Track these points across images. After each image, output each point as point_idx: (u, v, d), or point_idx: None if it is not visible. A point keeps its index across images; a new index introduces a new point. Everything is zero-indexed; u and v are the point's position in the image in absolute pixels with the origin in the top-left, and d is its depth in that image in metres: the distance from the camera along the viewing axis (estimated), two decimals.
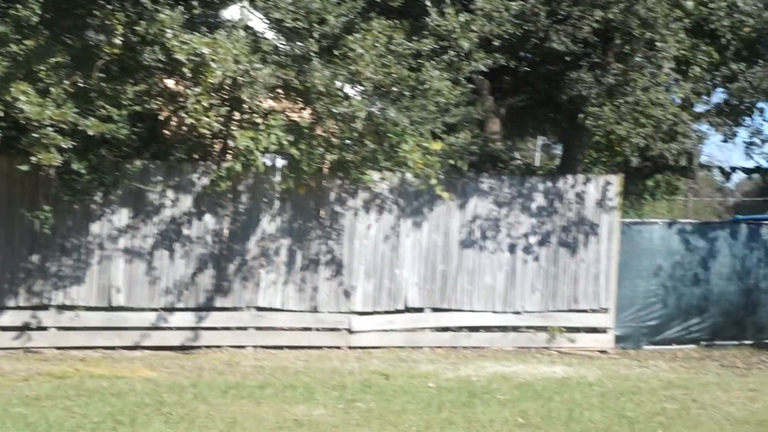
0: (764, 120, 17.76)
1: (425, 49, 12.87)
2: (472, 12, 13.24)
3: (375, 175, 13.54)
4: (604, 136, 16.24)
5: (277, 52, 12.48)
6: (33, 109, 10.89)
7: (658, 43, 13.99)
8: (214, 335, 13.37)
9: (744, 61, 15.89)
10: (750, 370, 13.21)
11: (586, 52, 14.95)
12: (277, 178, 13.41)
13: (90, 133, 11.37)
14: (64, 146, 11.20)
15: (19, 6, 10.72)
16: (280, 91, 12.76)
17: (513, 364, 13.03)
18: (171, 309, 13.22)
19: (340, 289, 13.88)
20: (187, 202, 13.25)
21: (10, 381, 10.77)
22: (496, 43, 13.75)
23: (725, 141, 17.35)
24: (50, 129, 11.05)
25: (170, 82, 12.63)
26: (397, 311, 14.11)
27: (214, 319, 13.36)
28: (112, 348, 12.96)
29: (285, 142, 12.32)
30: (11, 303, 12.75)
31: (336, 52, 12.48)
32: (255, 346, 13.46)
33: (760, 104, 16.94)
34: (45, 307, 12.85)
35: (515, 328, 14.58)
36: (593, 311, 14.78)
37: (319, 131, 12.87)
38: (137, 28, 11.44)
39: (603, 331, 14.83)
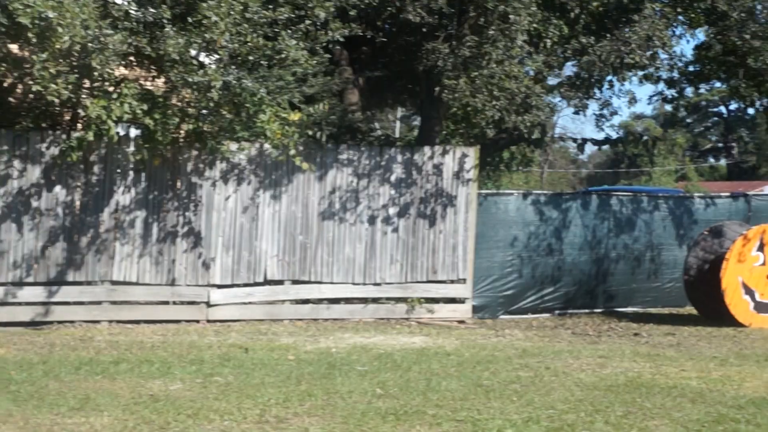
0: (613, 93, 18.18)
1: (281, 18, 12.76)
2: None
3: (232, 146, 13.34)
4: (460, 108, 16.43)
5: (129, 18, 12.13)
6: None
7: (511, 16, 14.16)
8: (67, 310, 12.93)
9: (593, 35, 16.27)
10: (600, 338, 13.58)
11: (441, 24, 15.05)
12: (131, 148, 13.04)
13: None
14: None
15: None
16: (132, 58, 12.42)
17: (373, 336, 13.06)
18: (20, 284, 12.71)
19: (199, 261, 13.63)
20: (35, 172, 12.72)
21: None
22: (353, 12, 13.73)
23: (576, 113, 17.82)
24: None
25: (14, 47, 12.08)
26: (257, 284, 13.97)
27: (66, 293, 12.92)
28: None
29: (139, 112, 12.05)
30: None
31: (190, 20, 12.22)
32: (110, 321, 13.10)
33: (609, 77, 17.42)
34: None
35: (375, 300, 14.65)
36: (451, 282, 14.96)
37: (174, 100, 12.61)
38: None
39: (461, 301, 15.02)
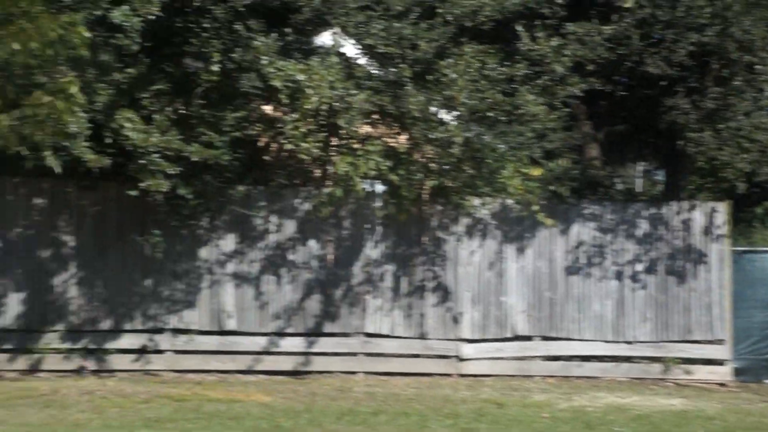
0: None
1: (518, 74, 12.90)
2: (563, 36, 13.27)
3: (475, 201, 13.46)
4: (706, 161, 15.91)
5: (371, 78, 12.66)
6: (138, 136, 11.29)
7: (757, 66, 13.71)
8: (325, 360, 13.35)
9: None
10: None
11: (682, 76, 14.71)
12: (378, 203, 13.48)
13: (194, 159, 11.67)
14: (170, 172, 11.52)
15: (119, 35, 11.14)
16: (375, 116, 12.90)
17: (628, 396, 12.63)
18: (281, 334, 13.28)
19: (448, 315, 13.73)
20: (290, 227, 13.35)
21: (132, 403, 10.95)
22: (590, 67, 13.68)
23: None
24: (156, 155, 11.42)
25: (268, 108, 12.88)
26: (506, 339, 13.88)
27: (323, 344, 13.37)
28: (227, 372, 13.04)
29: (384, 168, 12.39)
30: (128, 326, 12.99)
31: (429, 78, 12.61)
32: (365, 372, 13.36)
33: None
34: (160, 331, 13.06)
35: (628, 359, 14.14)
36: (708, 342, 14.23)
37: (416, 157, 12.92)
38: (233, 55, 11.80)
39: (720, 363, 14.24)
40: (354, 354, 13.45)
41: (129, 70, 11.57)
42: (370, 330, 13.52)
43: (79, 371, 12.60)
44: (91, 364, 12.71)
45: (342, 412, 10.74)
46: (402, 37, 12.51)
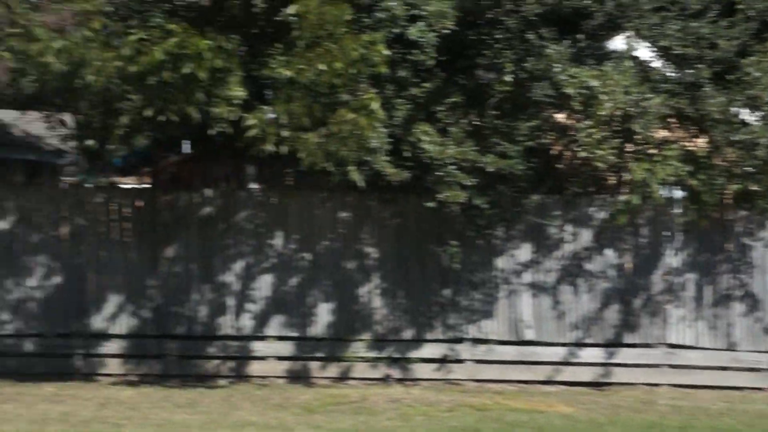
0: None
1: None
2: None
3: None
4: None
5: (667, 81, 12.39)
6: (435, 148, 11.60)
7: None
8: (625, 372, 13.01)
9: None
10: None
11: None
12: (677, 210, 13.04)
13: (489, 169, 11.84)
14: (466, 183, 11.75)
15: (416, 51, 11.52)
16: (672, 120, 12.57)
17: None
18: (579, 344, 13.09)
19: (757, 326, 13.04)
20: (586, 236, 13.14)
21: (436, 411, 11.18)
22: None
23: None
24: (452, 167, 11.68)
25: (560, 116, 12.86)
26: None
27: (623, 355, 13.05)
28: (526, 382, 12.99)
29: (683, 173, 12.08)
30: (429, 336, 13.19)
31: (730, 77, 12.21)
32: (669, 385, 12.90)
33: None
34: (460, 340, 13.17)
35: None
36: None
37: (717, 160, 12.48)
38: (525, 64, 11.90)
39: None
40: (656, 365, 13.04)
41: (425, 84, 11.93)
42: (673, 341, 13.07)
43: (384, 379, 12.99)
44: (395, 373, 13.07)
45: (647, 425, 10.52)
46: (700, 37, 12.25)
